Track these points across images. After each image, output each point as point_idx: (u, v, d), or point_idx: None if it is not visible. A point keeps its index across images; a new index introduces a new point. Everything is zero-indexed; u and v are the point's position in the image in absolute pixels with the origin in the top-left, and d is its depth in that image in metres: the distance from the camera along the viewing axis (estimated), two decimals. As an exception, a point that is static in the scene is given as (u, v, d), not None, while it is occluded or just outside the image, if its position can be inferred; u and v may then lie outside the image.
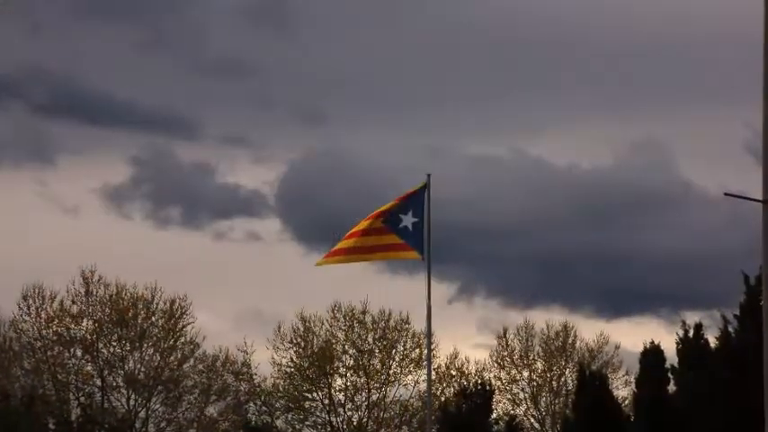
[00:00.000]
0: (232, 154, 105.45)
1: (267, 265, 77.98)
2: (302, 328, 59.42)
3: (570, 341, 61.32)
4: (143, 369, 56.54)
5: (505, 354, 61.45)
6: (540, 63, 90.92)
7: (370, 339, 59.31)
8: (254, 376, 59.04)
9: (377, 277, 76.71)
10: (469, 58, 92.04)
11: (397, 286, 78.01)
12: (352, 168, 79.22)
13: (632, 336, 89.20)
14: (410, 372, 59.13)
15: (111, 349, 56.75)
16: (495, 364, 61.23)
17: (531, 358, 61.29)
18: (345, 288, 65.40)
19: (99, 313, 57.02)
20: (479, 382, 54.59)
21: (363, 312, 59.57)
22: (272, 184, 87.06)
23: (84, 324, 56.95)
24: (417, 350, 59.13)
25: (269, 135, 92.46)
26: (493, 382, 58.16)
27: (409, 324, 59.53)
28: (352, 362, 59.10)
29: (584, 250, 74.04)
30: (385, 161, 77.88)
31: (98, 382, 56.55)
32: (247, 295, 78.61)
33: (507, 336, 61.73)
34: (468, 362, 60.76)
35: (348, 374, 58.97)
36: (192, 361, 57.59)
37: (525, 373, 61.07)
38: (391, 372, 58.99)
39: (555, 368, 60.89)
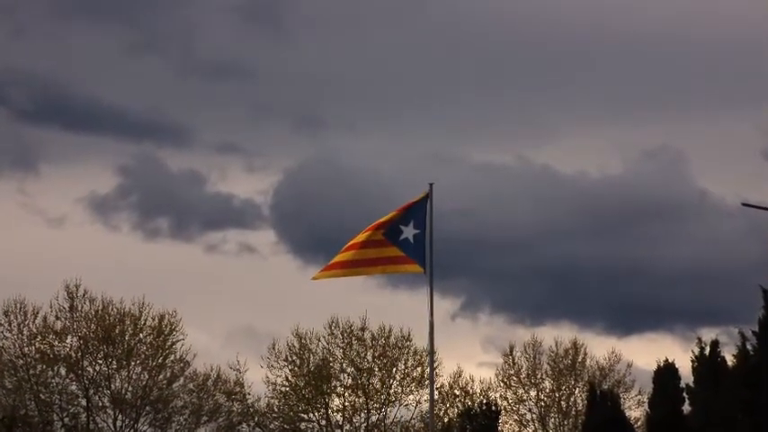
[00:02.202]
0: (224, 162, 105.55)
1: (261, 279, 78.08)
2: (298, 346, 59.35)
3: (580, 359, 61.26)
4: (130, 388, 56.44)
5: (512, 372, 61.38)
6: (547, 66, 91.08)
7: (369, 357, 59.24)
8: (248, 396, 58.98)
9: (377, 292, 76.88)
10: (473, 61, 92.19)
11: (397, 301, 78.15)
12: (351, 177, 79.34)
13: (645, 353, 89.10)
14: (412, 391, 59.06)
15: (97, 367, 56.64)
16: (501, 384, 61.19)
17: (538, 377, 61.23)
18: (343, 303, 65.46)
19: (84, 330, 56.92)
20: (484, 402, 54.64)
21: (362, 329, 59.52)
22: (266, 194, 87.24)
23: (68, 341, 56.87)
24: (419, 368, 59.05)
25: (263, 142, 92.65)
26: (499, 402, 58.18)
27: (411, 341, 59.51)
28: (350, 381, 59.03)
29: (595, 263, 74.16)
30: (385, 169, 78.03)
31: (83, 402, 56.45)
32: (240, 311, 78.71)
33: (514, 353, 61.70)
34: (472, 381, 60.74)
35: (346, 394, 58.90)
36: (181, 380, 57.51)
37: (533, 393, 61.01)
38: (392, 391, 58.91)
39: (564, 387, 60.81)
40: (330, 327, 59.54)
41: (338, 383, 59.02)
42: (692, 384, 38.61)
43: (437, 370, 57.44)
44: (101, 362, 56.66)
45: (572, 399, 60.42)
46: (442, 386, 59.35)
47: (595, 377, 59.21)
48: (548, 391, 60.95)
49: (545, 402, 60.69)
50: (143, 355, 57.07)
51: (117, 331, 56.88)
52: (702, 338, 38.63)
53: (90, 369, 56.58)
